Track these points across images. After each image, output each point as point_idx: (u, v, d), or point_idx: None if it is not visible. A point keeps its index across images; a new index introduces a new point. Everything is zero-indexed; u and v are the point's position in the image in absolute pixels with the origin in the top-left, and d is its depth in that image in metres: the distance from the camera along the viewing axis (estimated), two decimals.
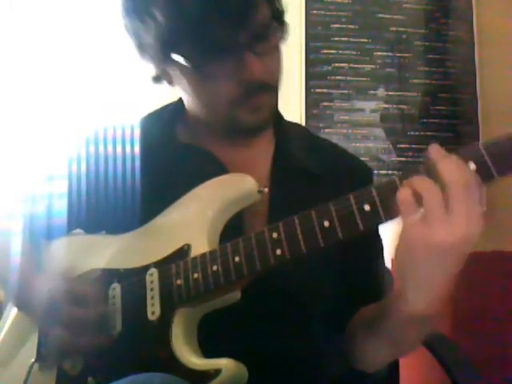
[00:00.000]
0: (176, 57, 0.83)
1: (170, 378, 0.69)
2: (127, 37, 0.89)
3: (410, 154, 2.25)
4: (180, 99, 0.99)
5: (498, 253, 1.84)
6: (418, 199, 0.64)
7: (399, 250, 0.67)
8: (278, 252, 0.72)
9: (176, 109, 0.99)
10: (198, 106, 0.92)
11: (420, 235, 0.63)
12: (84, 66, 2.02)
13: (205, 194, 0.85)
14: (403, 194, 0.64)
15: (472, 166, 0.64)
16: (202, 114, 0.92)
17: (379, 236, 0.99)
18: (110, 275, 0.85)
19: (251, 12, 0.81)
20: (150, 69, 0.91)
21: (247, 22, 0.81)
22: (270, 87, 0.88)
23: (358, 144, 2.23)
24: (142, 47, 0.87)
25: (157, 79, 0.93)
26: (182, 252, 0.80)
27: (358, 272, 0.92)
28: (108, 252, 0.88)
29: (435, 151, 0.65)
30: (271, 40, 0.87)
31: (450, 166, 0.63)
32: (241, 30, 0.81)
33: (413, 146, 2.27)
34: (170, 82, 0.92)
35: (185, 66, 0.83)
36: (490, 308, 1.75)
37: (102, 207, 0.92)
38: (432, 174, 0.64)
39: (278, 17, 0.89)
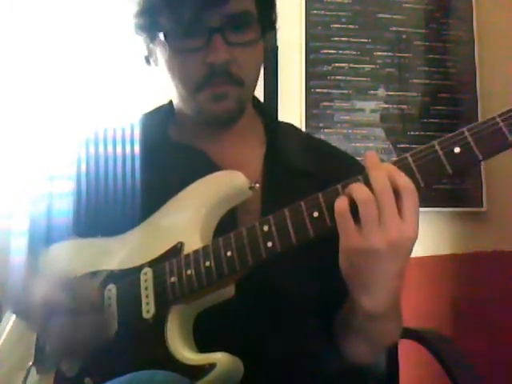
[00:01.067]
0: (153, 29, 0.87)
1: (171, 376, 0.70)
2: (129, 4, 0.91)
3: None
4: (171, 100, 1.00)
5: (498, 253, 1.84)
6: (355, 208, 0.67)
7: (340, 257, 0.70)
8: (269, 245, 0.73)
9: (169, 108, 1.00)
10: (173, 91, 0.93)
11: (356, 244, 0.67)
12: (84, 67, 2.02)
13: (197, 191, 0.85)
14: (339, 206, 0.68)
15: (457, 149, 0.67)
16: (178, 101, 0.95)
17: None
18: (105, 277, 0.85)
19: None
20: (141, 48, 0.94)
21: (219, 5, 0.83)
22: (236, 80, 0.88)
23: (357, 144, 2.23)
24: (134, 17, 0.90)
25: (147, 59, 0.96)
26: (176, 250, 0.81)
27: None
28: (103, 254, 0.88)
29: (369, 159, 0.69)
30: (248, 34, 0.87)
31: (381, 174, 0.67)
32: (213, 11, 0.83)
33: (413, 146, 2.26)
34: (155, 62, 0.94)
35: (162, 41, 0.87)
36: (490, 308, 1.75)
37: (98, 208, 0.93)
38: (367, 181, 0.68)
39: (264, 16, 0.90)
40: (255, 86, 0.95)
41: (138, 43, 0.94)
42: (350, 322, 0.81)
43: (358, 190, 0.67)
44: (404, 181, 0.67)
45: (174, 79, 0.90)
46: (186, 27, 0.84)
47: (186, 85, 0.89)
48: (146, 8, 0.87)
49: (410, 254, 0.69)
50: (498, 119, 0.66)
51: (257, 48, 0.90)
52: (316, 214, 0.71)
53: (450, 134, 0.69)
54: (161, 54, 0.90)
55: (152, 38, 0.90)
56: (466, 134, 0.67)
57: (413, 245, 0.68)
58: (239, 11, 0.85)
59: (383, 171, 0.67)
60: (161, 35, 0.87)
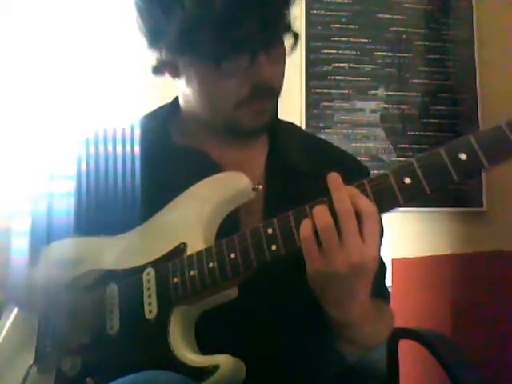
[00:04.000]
0: (194, 50, 0.83)
1: (174, 376, 0.70)
2: (138, 20, 0.87)
3: (410, 154, 2.25)
4: (175, 100, 0.99)
5: (498, 253, 1.84)
6: (317, 231, 0.69)
7: (308, 278, 0.72)
8: (274, 247, 0.73)
9: (170, 109, 1.00)
10: (199, 104, 0.91)
11: (319, 267, 0.69)
12: (85, 67, 2.02)
13: (200, 192, 0.85)
14: (304, 230, 0.69)
15: (463, 156, 0.66)
16: (202, 112, 0.92)
17: None
18: (107, 276, 0.85)
19: (279, 19, 0.82)
20: (152, 57, 0.89)
21: (273, 28, 0.82)
22: (275, 93, 0.89)
23: (358, 144, 2.23)
24: (155, 33, 0.85)
25: (158, 70, 0.91)
26: (178, 251, 0.81)
27: None
28: (105, 253, 0.88)
29: (332, 180, 0.70)
30: (283, 47, 0.87)
31: (344, 197, 0.68)
32: (263, 30, 0.80)
33: (413, 146, 2.27)
34: (175, 75, 0.90)
35: (199, 58, 0.83)
36: (490, 308, 1.75)
37: (101, 207, 0.92)
38: (331, 203, 0.69)
39: (289, 26, 0.89)
40: None
41: (148, 55, 0.89)
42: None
43: (319, 215, 0.69)
44: (365, 203, 0.68)
45: (210, 98, 0.88)
46: (236, 50, 0.80)
47: (225, 104, 0.87)
48: (188, 29, 0.81)
49: (372, 272, 0.71)
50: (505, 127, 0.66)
51: (285, 58, 0.90)
52: None
53: (456, 140, 0.68)
54: (195, 73, 0.87)
55: (181, 54, 0.86)
56: (472, 141, 0.67)
57: (375, 264, 0.70)
58: (281, 26, 0.84)
59: (345, 193, 0.69)
60: (203, 56, 0.83)
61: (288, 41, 0.88)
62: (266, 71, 0.83)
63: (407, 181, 0.68)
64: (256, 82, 0.84)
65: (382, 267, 0.99)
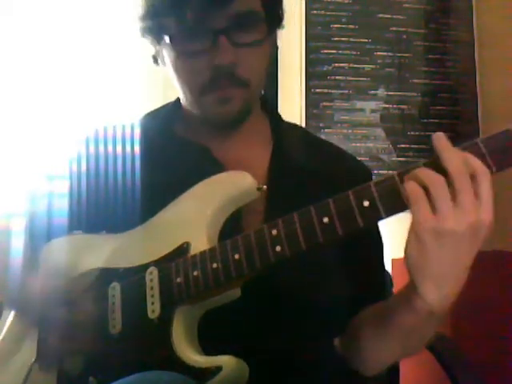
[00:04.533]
0: (160, 32, 0.86)
1: (177, 377, 0.70)
2: (137, 15, 0.90)
3: (410, 154, 2.25)
4: (178, 98, 0.99)
5: (498, 253, 1.84)
6: (424, 191, 0.64)
7: (410, 242, 0.65)
8: (278, 249, 0.72)
9: (174, 106, 1.00)
10: (180, 92, 0.93)
11: (430, 225, 0.63)
12: (85, 66, 2.02)
13: (204, 191, 0.85)
14: (411, 186, 0.64)
15: None
16: (185, 102, 0.94)
17: (380, 234, 0.99)
18: (109, 274, 0.85)
19: None
20: (150, 48, 0.94)
21: (224, 6, 0.82)
22: (242, 82, 0.87)
23: (358, 144, 2.23)
24: (141, 21, 0.90)
25: (154, 59, 0.95)
26: (182, 250, 0.80)
27: (360, 271, 0.92)
28: (107, 251, 0.87)
29: (439, 141, 0.65)
30: (254, 34, 0.86)
31: (455, 156, 0.64)
32: (217, 12, 0.81)
33: (413, 146, 2.27)
34: (163, 63, 0.93)
35: (168, 43, 0.86)
36: (490, 308, 1.75)
37: (102, 206, 0.92)
38: (437, 163, 0.64)
39: (271, 14, 0.88)
40: (262, 86, 0.94)
41: (146, 43, 0.93)
42: (388, 323, 0.77)
43: (425, 173, 0.64)
44: (479, 164, 0.64)
45: (179, 81, 0.90)
46: (190, 29, 0.83)
47: (191, 87, 0.88)
48: (151, 11, 0.86)
49: (483, 241, 0.65)
50: None
51: (262, 48, 0.89)
52: (326, 220, 0.70)
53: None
54: (167, 56, 0.90)
55: (158, 40, 0.90)
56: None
57: (488, 232, 0.65)
58: (244, 11, 0.84)
59: (456, 153, 0.64)
60: (166, 38, 0.86)
61: (262, 27, 0.87)
62: (226, 55, 0.83)
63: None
64: (217, 66, 0.84)
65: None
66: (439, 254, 0.64)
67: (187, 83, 0.89)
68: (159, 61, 0.94)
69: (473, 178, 0.63)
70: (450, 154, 0.64)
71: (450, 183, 0.63)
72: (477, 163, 0.64)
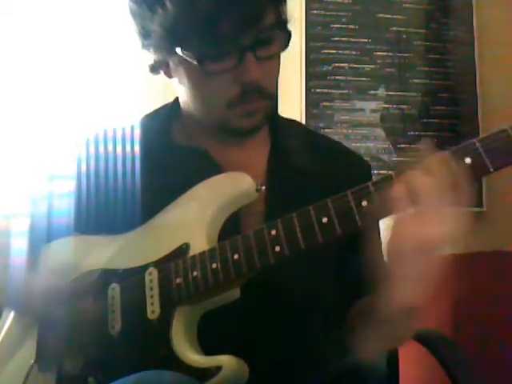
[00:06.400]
0: (180, 50, 0.83)
1: (179, 376, 0.70)
2: (131, 21, 0.88)
3: (410, 153, 2.24)
4: (176, 99, 0.99)
5: (498, 253, 1.84)
6: (412, 194, 0.65)
7: (391, 242, 0.68)
8: (277, 249, 0.73)
9: (172, 109, 1.00)
10: (194, 104, 0.91)
11: (412, 229, 0.65)
12: (85, 67, 2.02)
13: (203, 193, 0.85)
14: (397, 190, 0.66)
15: (468, 160, 0.66)
16: (197, 111, 0.92)
17: (378, 230, 0.99)
18: (109, 275, 0.85)
19: (260, 15, 0.82)
20: (149, 57, 0.90)
21: (255, 24, 0.81)
22: (266, 94, 0.88)
23: (358, 144, 2.23)
24: (145, 34, 0.86)
25: (154, 69, 0.92)
26: (181, 251, 0.81)
27: (354, 266, 0.92)
28: (106, 252, 0.88)
29: (425, 148, 0.68)
30: (273, 46, 0.86)
31: (439, 162, 0.66)
32: (248, 31, 0.81)
33: (413, 146, 2.26)
34: (169, 75, 0.91)
35: (187, 59, 0.83)
36: (490, 308, 1.75)
37: (102, 207, 0.92)
38: (424, 169, 0.66)
39: (281, 25, 0.88)
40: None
41: (144, 54, 0.90)
42: (371, 316, 0.77)
43: (416, 177, 0.66)
44: (461, 172, 0.66)
45: (201, 98, 0.89)
46: (218, 48, 0.81)
47: (216, 102, 0.87)
48: (171, 29, 0.82)
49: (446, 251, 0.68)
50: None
51: (279, 57, 0.90)
52: (325, 220, 0.70)
53: None
54: (181, 70, 0.87)
55: (172, 54, 0.86)
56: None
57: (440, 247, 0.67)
58: (267, 26, 0.84)
59: (441, 159, 0.66)
60: (185, 53, 0.83)
61: (279, 40, 0.87)
62: (254, 71, 0.83)
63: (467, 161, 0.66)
64: (245, 83, 0.84)
65: None
66: (416, 256, 0.66)
67: (211, 99, 0.88)
68: (160, 70, 0.92)
69: (454, 186, 0.65)
70: (436, 159, 0.67)
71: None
72: (459, 172, 0.65)
